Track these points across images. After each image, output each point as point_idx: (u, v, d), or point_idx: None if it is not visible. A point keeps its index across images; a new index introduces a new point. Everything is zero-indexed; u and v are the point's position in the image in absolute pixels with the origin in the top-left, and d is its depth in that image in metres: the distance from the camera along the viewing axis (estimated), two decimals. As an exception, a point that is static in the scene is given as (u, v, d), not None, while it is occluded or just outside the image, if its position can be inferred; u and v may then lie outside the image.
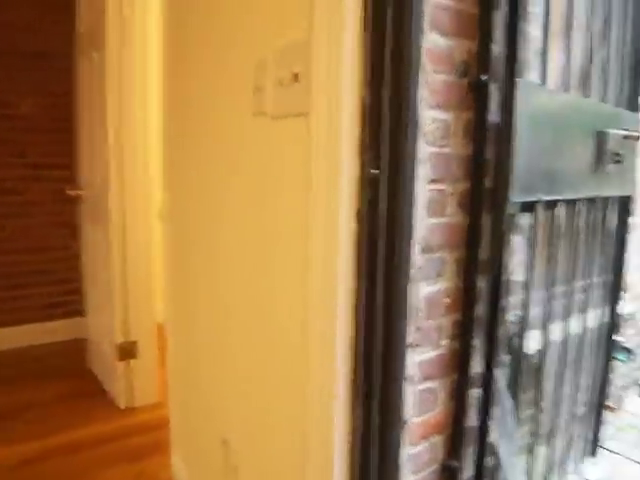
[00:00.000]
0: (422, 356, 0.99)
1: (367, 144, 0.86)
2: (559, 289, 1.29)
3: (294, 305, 1.05)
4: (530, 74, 1.07)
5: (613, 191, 1.36)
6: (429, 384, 1.02)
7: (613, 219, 1.42)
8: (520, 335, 1.17)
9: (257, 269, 1.19)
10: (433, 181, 0.95)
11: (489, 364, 1.05)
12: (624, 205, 1.42)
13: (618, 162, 1.32)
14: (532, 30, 1.06)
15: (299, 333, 1.01)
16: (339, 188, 0.86)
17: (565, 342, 1.34)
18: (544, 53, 1.10)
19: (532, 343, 1.22)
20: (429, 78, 0.91)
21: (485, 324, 1.02)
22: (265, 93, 1.05)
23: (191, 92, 1.51)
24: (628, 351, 1.80)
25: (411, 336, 0.95)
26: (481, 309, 1.01)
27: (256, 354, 1.22)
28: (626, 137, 1.34)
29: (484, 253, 1.01)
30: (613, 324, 1.54)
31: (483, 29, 0.98)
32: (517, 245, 1.10)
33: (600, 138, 1.25)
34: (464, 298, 1.03)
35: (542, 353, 1.26)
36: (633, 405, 1.96)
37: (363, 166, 0.87)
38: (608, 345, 1.54)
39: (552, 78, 1.14)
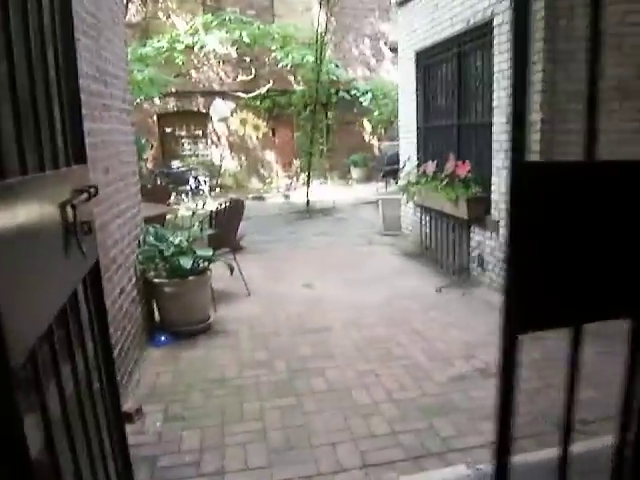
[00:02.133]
0: None
1: None
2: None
3: None
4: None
5: (88, 266, 1.13)
6: None
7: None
8: None
9: None
10: None
11: None
12: (96, 275, 1.22)
13: (88, 232, 1.10)
14: None
15: None
16: None
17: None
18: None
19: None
20: None
21: None
22: None
23: None
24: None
25: None
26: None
27: None
28: (88, 198, 1.12)
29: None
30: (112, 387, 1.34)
31: None
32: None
33: (66, 213, 0.96)
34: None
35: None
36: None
37: None
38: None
39: None
